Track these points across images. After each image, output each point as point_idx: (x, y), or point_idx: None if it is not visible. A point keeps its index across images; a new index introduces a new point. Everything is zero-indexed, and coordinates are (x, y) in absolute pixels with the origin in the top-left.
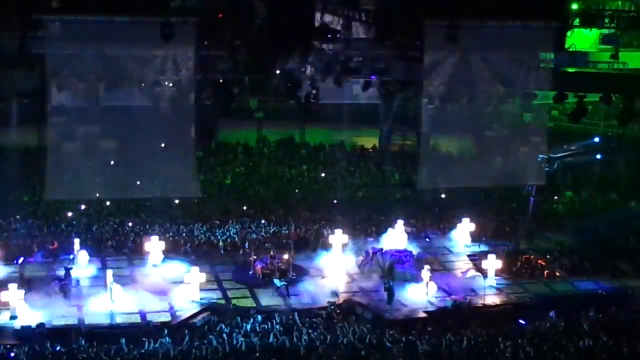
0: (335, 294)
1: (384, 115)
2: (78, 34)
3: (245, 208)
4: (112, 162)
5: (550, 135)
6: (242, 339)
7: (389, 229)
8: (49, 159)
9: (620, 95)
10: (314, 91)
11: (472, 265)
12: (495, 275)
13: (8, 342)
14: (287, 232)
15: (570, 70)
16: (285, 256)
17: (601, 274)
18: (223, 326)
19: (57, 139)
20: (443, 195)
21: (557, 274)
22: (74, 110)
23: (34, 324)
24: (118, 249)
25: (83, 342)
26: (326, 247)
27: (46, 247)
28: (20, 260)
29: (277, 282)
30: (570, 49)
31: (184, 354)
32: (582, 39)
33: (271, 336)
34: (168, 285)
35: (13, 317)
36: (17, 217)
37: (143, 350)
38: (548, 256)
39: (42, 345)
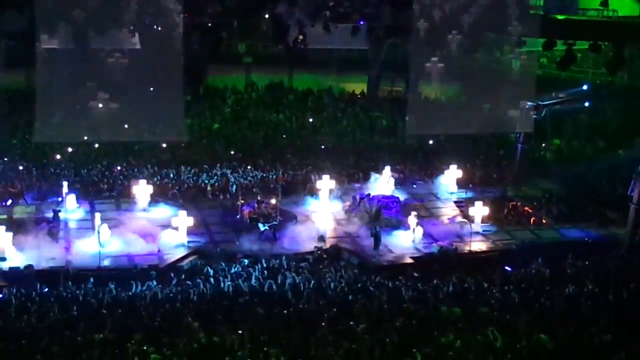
0: (322, 238)
1: (372, 61)
2: None
3: (233, 153)
4: (100, 105)
5: (538, 82)
6: (228, 282)
7: (377, 175)
8: (37, 101)
9: (609, 43)
10: (300, 36)
11: (459, 212)
12: (482, 222)
13: None
14: (274, 177)
15: (560, 17)
16: (273, 201)
17: (588, 221)
18: (210, 270)
19: (45, 82)
20: (431, 142)
21: (544, 221)
22: (63, 53)
23: (22, 266)
24: (106, 192)
25: (70, 284)
26: (313, 192)
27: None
28: (9, 202)
29: (261, 226)
30: None
31: (171, 297)
32: None
33: (258, 280)
34: (156, 228)
35: (1, 259)
36: (5, 159)
37: (130, 293)
38: (535, 203)
39: (30, 287)
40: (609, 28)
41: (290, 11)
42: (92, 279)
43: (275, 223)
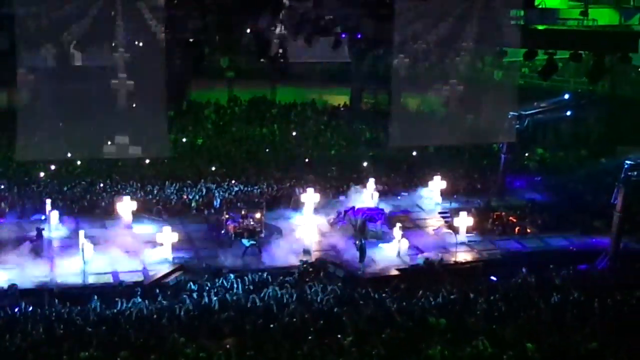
0: (307, 252)
1: (354, 74)
2: None
3: (216, 167)
4: (82, 122)
5: (520, 92)
6: (214, 297)
7: (361, 187)
8: (20, 119)
9: (590, 52)
10: (280, 50)
11: (444, 223)
12: (467, 232)
13: None
14: (258, 191)
15: (540, 27)
16: (257, 215)
17: (572, 230)
18: (195, 285)
19: (27, 100)
20: (414, 153)
21: (528, 230)
22: (44, 71)
23: (5, 285)
24: (90, 210)
25: (55, 303)
26: (298, 205)
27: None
28: None
29: (245, 242)
30: (540, 6)
31: (157, 313)
32: None
33: (243, 294)
34: (140, 245)
35: None
36: None
37: (116, 310)
38: (519, 213)
39: (14, 306)
40: (590, 37)
41: (272, 25)
42: (76, 297)
43: (260, 238)
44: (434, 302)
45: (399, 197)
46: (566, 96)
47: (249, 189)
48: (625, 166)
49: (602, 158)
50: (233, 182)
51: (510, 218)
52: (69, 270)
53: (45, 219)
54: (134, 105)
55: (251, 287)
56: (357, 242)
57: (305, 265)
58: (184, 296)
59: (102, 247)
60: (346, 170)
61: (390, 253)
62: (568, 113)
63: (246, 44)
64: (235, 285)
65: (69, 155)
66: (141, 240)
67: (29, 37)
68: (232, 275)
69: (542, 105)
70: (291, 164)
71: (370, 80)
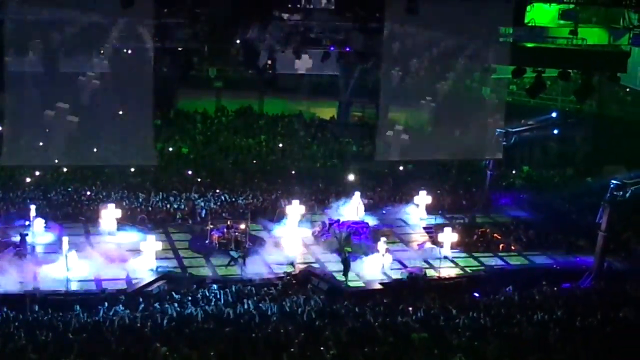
0: (291, 264)
1: (342, 87)
2: (37, 0)
3: (202, 177)
4: (68, 129)
5: (508, 109)
6: (197, 308)
7: (346, 200)
8: (5, 124)
9: (578, 71)
10: (269, 61)
11: (428, 238)
12: (451, 248)
13: None
14: (244, 201)
15: (529, 45)
16: (242, 226)
17: (556, 248)
18: (178, 295)
19: (13, 105)
20: (400, 168)
21: (513, 247)
22: (32, 77)
23: None
24: (74, 216)
25: (37, 309)
26: (283, 217)
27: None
28: None
29: (233, 253)
30: (530, 24)
31: (139, 322)
32: (541, 14)
33: (226, 305)
34: (124, 253)
35: None
36: None
37: (98, 318)
38: (504, 230)
39: None
40: (578, 56)
41: (261, 36)
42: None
43: (246, 249)
44: (416, 317)
45: (384, 212)
46: (553, 114)
47: (234, 199)
48: (611, 185)
49: (588, 177)
50: (218, 192)
51: (495, 235)
52: (52, 276)
53: (29, 225)
54: (121, 112)
55: (234, 298)
56: (342, 255)
57: (288, 277)
58: (167, 305)
59: (85, 254)
60: (332, 183)
61: (374, 267)
62: (555, 131)
63: (235, 55)
64: (218, 296)
65: (55, 161)
66: (125, 248)
67: (16, 41)
68: (215, 286)
69: (529, 123)
70: (277, 175)
71: (358, 94)
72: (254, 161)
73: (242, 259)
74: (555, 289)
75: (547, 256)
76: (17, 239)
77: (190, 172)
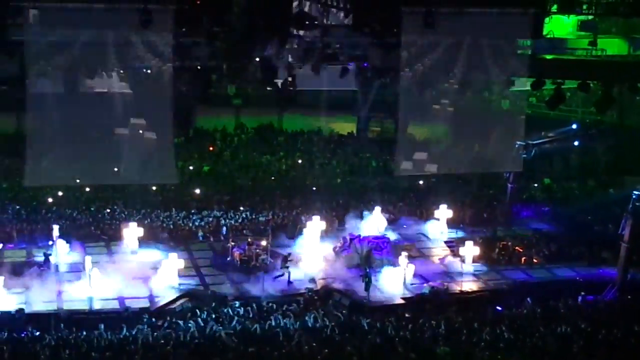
0: (312, 280)
1: (361, 102)
2: (57, 21)
3: (223, 195)
4: (90, 148)
5: (528, 122)
6: (219, 325)
7: (367, 216)
8: (28, 145)
9: (598, 82)
10: (289, 78)
11: (450, 252)
12: (473, 261)
13: None
14: (264, 218)
15: (548, 57)
16: (263, 242)
17: (579, 261)
18: (201, 312)
19: (36, 126)
20: (421, 182)
21: (535, 260)
22: (53, 97)
23: (13, 310)
24: (96, 236)
25: (62, 328)
26: (304, 233)
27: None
28: (0, 246)
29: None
30: (549, 36)
31: (163, 340)
32: (560, 25)
33: (249, 322)
34: (146, 271)
35: None
36: None
37: (121, 336)
38: (525, 243)
39: (21, 331)
40: (598, 67)
41: (279, 53)
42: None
43: (289, 264)
44: (438, 331)
45: (404, 226)
46: (574, 126)
47: (255, 216)
48: (633, 197)
49: (610, 188)
50: (239, 209)
51: (517, 248)
52: (76, 295)
53: (53, 245)
54: (141, 131)
55: (257, 315)
56: (363, 270)
57: (310, 293)
58: (190, 323)
59: (108, 273)
60: (352, 199)
61: (396, 282)
62: (576, 143)
63: (253, 72)
64: (240, 313)
65: (77, 181)
66: (147, 266)
67: (37, 63)
68: (237, 303)
69: (549, 135)
70: (297, 191)
71: (377, 109)
72: (274, 178)
73: (288, 273)
74: (578, 301)
75: (570, 268)
76: (41, 258)
77: (210, 190)
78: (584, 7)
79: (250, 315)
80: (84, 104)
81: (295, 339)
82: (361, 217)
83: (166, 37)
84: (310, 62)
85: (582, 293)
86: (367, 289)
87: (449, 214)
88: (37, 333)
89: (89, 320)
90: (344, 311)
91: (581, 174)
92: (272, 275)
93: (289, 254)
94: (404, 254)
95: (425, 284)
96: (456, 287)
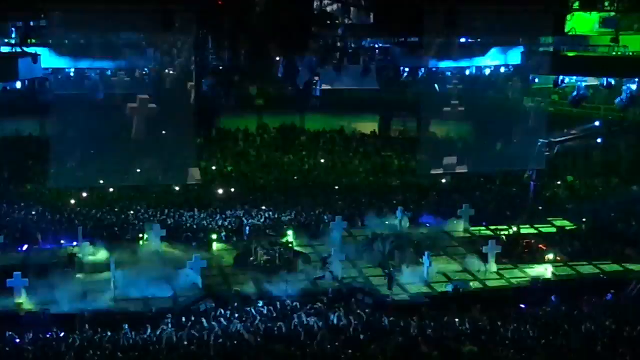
0: (335, 278)
1: (383, 101)
2: (80, 23)
3: (245, 194)
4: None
5: (550, 119)
6: (243, 324)
7: (389, 214)
8: (52, 147)
9: (621, 79)
10: (316, 78)
11: (473, 250)
12: (496, 259)
13: (12, 329)
14: (287, 218)
15: (570, 54)
16: (286, 242)
17: (603, 258)
18: (225, 312)
19: (59, 128)
20: (443, 180)
21: (558, 258)
22: (76, 99)
23: (38, 310)
24: (120, 236)
25: (86, 328)
26: (326, 232)
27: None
28: (25, 247)
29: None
30: (570, 33)
31: (186, 340)
32: (582, 22)
33: (272, 321)
34: (170, 271)
35: (18, 304)
36: (21, 205)
37: (145, 336)
38: (549, 240)
39: (46, 332)
40: (620, 64)
41: (301, 53)
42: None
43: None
44: (462, 330)
45: (427, 225)
46: (596, 123)
47: (278, 216)
48: None
49: (633, 185)
50: (262, 208)
51: (540, 245)
52: (100, 296)
53: (77, 245)
54: (164, 132)
55: (280, 314)
56: (386, 269)
57: (333, 292)
58: (213, 323)
59: (132, 273)
60: (374, 198)
61: (419, 280)
62: (598, 140)
63: (275, 72)
64: (264, 312)
65: (101, 182)
66: (171, 266)
67: (61, 64)
68: (260, 302)
69: (572, 132)
70: (319, 191)
71: (399, 108)
72: (296, 177)
73: (330, 272)
74: (603, 299)
75: (594, 266)
76: (66, 259)
77: (233, 190)
78: (606, 3)
79: (274, 315)
80: (107, 105)
81: (318, 338)
82: (384, 216)
83: (188, 38)
84: (332, 62)
85: (607, 290)
86: (389, 287)
87: (472, 212)
88: (62, 333)
89: (113, 321)
90: (367, 310)
91: (604, 171)
92: (311, 276)
93: (329, 255)
94: (427, 252)
95: (448, 283)
96: (479, 286)
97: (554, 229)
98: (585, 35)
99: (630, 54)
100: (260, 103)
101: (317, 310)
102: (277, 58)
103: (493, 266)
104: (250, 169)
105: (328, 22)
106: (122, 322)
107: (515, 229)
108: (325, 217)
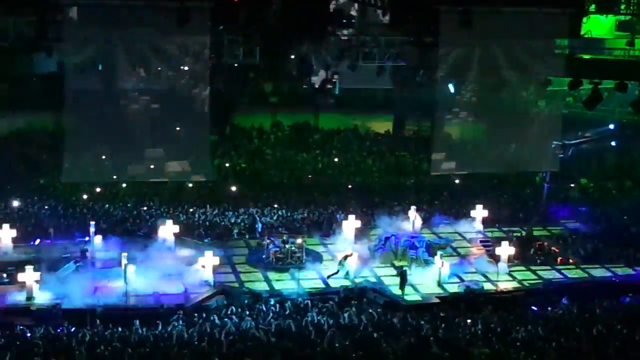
0: (348, 278)
1: (397, 101)
2: (95, 19)
3: (259, 192)
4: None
5: (564, 121)
6: (254, 322)
7: (402, 214)
8: (66, 142)
9: (636, 82)
10: (335, 76)
11: (485, 251)
12: (508, 261)
13: (24, 323)
14: (300, 216)
15: (586, 56)
16: (299, 240)
17: (615, 261)
18: (236, 309)
19: (73, 123)
20: (457, 181)
21: (571, 261)
22: (91, 94)
23: (49, 305)
24: (133, 232)
25: (97, 323)
26: (339, 231)
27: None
28: (37, 241)
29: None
30: (586, 36)
31: (197, 337)
32: (597, 25)
33: (283, 320)
34: (182, 267)
35: (29, 298)
36: (35, 199)
37: (156, 332)
38: (561, 243)
39: (57, 326)
40: (635, 67)
41: (316, 52)
42: (118, 318)
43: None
44: (474, 331)
45: (440, 225)
46: (611, 126)
47: (291, 213)
48: None
49: None
50: (275, 206)
51: (553, 248)
52: (112, 291)
53: (89, 240)
54: (178, 129)
55: (293, 312)
56: (398, 269)
57: (345, 292)
58: (225, 320)
59: (144, 269)
60: (388, 197)
61: (431, 281)
62: (613, 143)
63: (290, 70)
64: (276, 310)
65: (114, 177)
66: (183, 263)
67: (75, 60)
68: (272, 300)
69: (586, 134)
70: (333, 190)
71: (413, 108)
72: (310, 176)
73: (344, 271)
74: (615, 302)
75: (606, 269)
76: (78, 254)
77: (246, 187)
78: (622, 6)
79: (286, 312)
80: (121, 101)
81: (329, 337)
82: (397, 216)
83: (203, 35)
84: (346, 61)
85: (619, 294)
86: (402, 287)
87: (485, 213)
88: (73, 329)
89: (125, 316)
90: (378, 309)
91: (618, 174)
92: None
93: (351, 254)
94: (440, 253)
95: (460, 283)
96: (491, 287)
97: (566, 232)
98: (601, 38)
99: None
100: (274, 101)
101: (329, 309)
102: (292, 56)
103: (505, 267)
104: (264, 166)
105: (343, 20)
106: (133, 318)
107: (527, 230)
108: (339, 215)
